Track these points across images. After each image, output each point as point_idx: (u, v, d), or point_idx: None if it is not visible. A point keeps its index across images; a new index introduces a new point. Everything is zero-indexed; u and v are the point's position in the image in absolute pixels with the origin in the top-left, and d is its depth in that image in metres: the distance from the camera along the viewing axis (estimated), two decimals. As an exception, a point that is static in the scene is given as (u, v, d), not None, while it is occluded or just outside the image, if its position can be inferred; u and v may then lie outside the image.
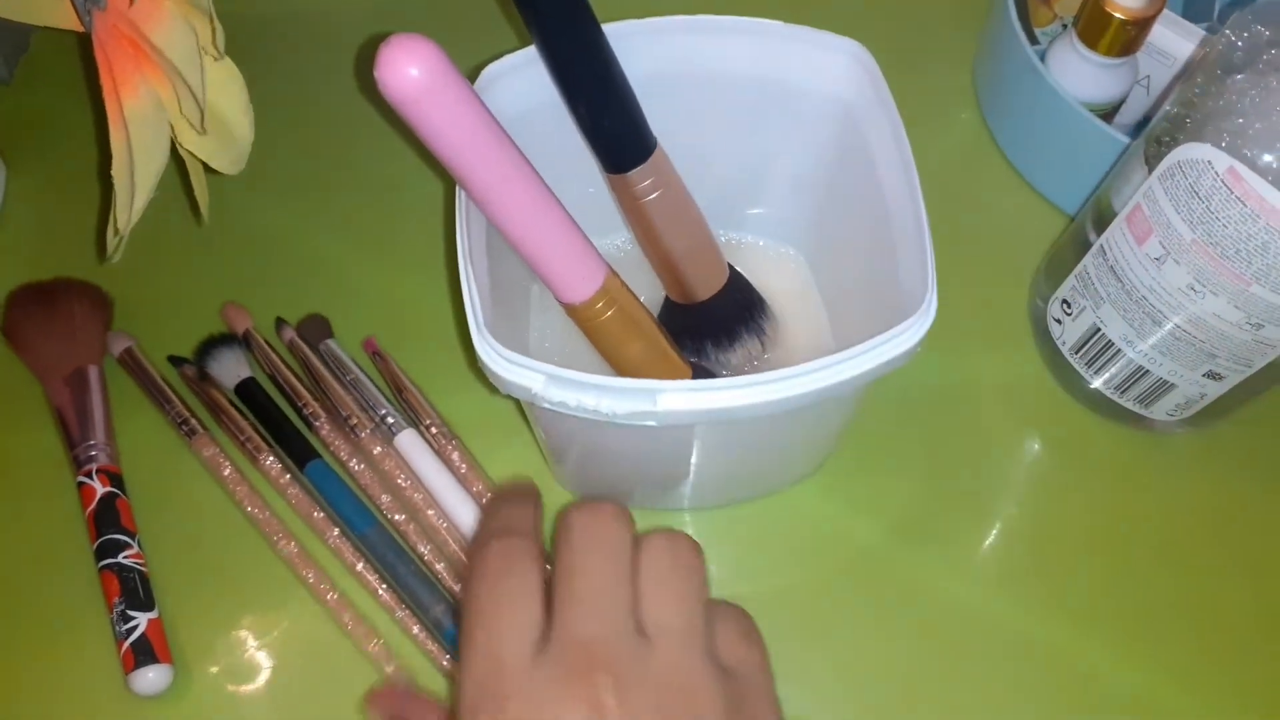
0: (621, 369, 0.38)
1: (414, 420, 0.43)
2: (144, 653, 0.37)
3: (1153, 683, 0.39)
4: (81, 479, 0.41)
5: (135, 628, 0.38)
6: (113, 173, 0.32)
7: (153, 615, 0.39)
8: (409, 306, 0.47)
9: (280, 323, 0.45)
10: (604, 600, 0.27)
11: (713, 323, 0.43)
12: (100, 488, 0.41)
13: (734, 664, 0.28)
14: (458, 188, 0.34)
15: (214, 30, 0.30)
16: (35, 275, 0.46)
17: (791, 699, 0.38)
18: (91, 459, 0.41)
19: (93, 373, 0.43)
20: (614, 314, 0.35)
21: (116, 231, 0.32)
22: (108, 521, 0.40)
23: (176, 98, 0.31)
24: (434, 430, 0.42)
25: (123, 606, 0.38)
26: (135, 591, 0.39)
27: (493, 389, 0.33)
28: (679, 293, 0.43)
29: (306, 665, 0.39)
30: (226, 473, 0.41)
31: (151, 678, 0.37)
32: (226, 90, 0.32)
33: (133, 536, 0.40)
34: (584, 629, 0.27)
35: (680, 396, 0.31)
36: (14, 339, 0.44)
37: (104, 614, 0.39)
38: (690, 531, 0.42)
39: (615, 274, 0.36)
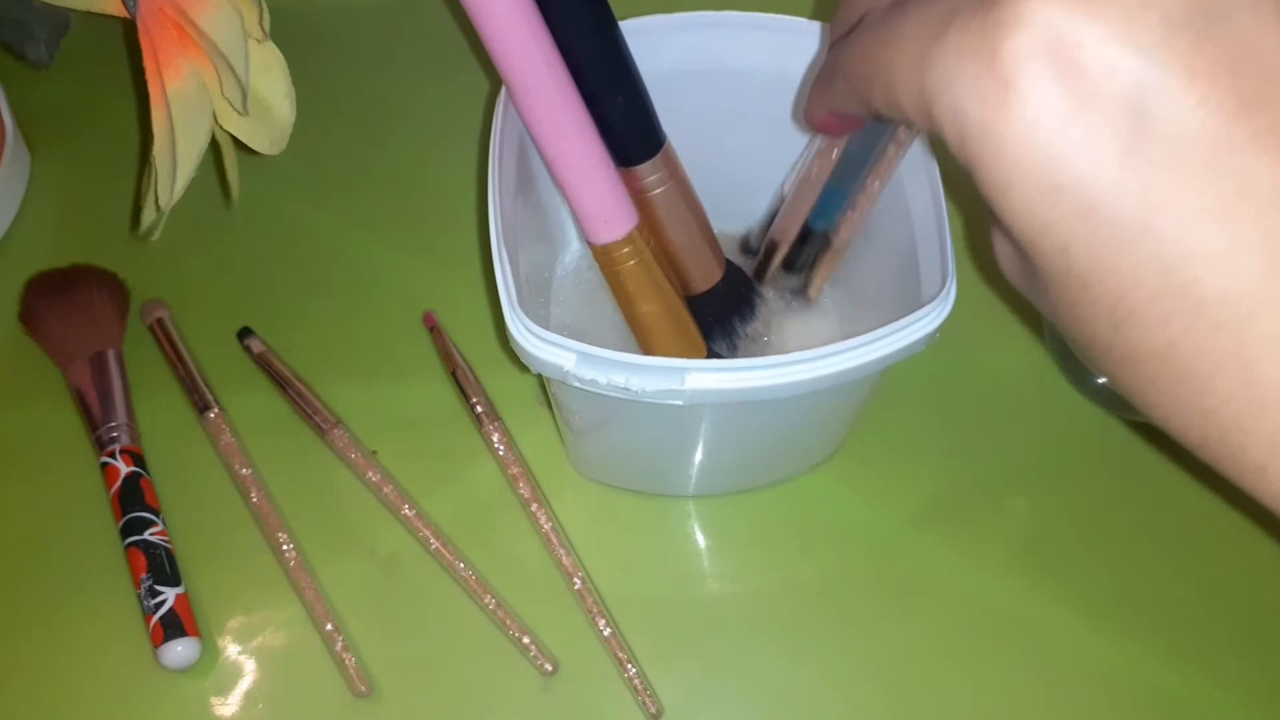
0: (638, 326, 0.39)
1: (463, 396, 0.44)
2: (173, 626, 0.38)
3: (1164, 668, 0.40)
4: (105, 459, 0.42)
5: (163, 602, 0.39)
6: (154, 152, 0.33)
7: (180, 590, 0.39)
8: (433, 290, 0.48)
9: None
10: None
11: (708, 314, 0.44)
12: (124, 467, 0.41)
13: None
14: (489, 178, 0.35)
15: (261, 13, 0.31)
16: (58, 260, 0.47)
17: (807, 686, 0.39)
18: (114, 439, 0.42)
19: (111, 356, 0.44)
20: (637, 264, 0.37)
21: (157, 209, 0.33)
22: (132, 500, 0.41)
23: (219, 79, 0.32)
24: (480, 410, 0.43)
25: (150, 582, 0.39)
26: (162, 567, 0.40)
27: (519, 368, 0.34)
28: (680, 285, 0.44)
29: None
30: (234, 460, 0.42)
31: (180, 651, 0.38)
32: (269, 72, 0.33)
33: (157, 514, 0.41)
34: None
35: (708, 376, 0.32)
36: (33, 325, 0.45)
37: (130, 591, 0.40)
38: (706, 518, 0.43)
39: (644, 228, 0.37)
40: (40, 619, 0.40)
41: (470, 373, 0.44)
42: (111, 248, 0.49)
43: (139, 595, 0.39)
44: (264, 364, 0.44)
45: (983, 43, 0.18)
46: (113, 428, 0.43)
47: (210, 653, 0.39)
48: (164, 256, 0.48)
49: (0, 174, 0.48)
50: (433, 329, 0.45)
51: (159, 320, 0.45)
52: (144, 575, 0.39)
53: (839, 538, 0.43)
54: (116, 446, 0.42)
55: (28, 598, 0.41)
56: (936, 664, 0.40)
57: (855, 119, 0.28)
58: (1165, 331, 0.18)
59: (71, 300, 0.45)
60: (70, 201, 0.51)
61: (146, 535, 0.40)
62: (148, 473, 0.42)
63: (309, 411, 0.43)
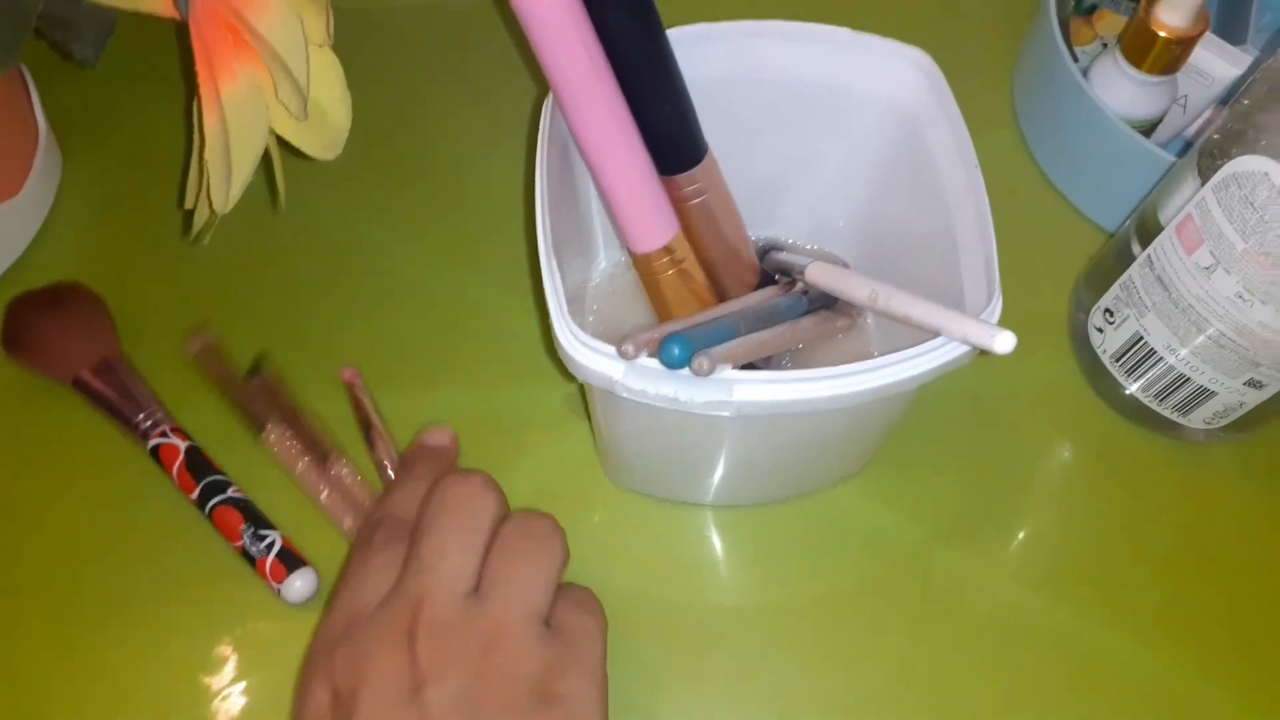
0: None
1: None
2: (289, 560, 0.39)
3: (1199, 681, 0.40)
4: (156, 441, 0.42)
5: (273, 542, 0.40)
6: (206, 156, 0.33)
7: (280, 532, 0.40)
8: (468, 297, 0.48)
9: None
10: (445, 561, 0.30)
11: None
12: (180, 443, 0.42)
13: (566, 627, 0.31)
14: (536, 189, 0.35)
15: (328, 20, 0.31)
16: (86, 265, 0.47)
17: (833, 697, 0.39)
18: (158, 422, 0.43)
19: (117, 359, 0.44)
20: (675, 274, 0.37)
21: (210, 214, 0.33)
22: (201, 468, 0.42)
23: (274, 84, 0.32)
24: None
25: (252, 529, 0.40)
26: (258, 515, 0.41)
27: (565, 377, 0.34)
28: (716, 292, 0.44)
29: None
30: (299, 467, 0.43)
31: (300, 585, 0.39)
32: (325, 78, 0.33)
33: (228, 476, 0.42)
34: (417, 586, 0.30)
35: (756, 387, 0.32)
36: (27, 347, 0.45)
37: (224, 553, 0.40)
38: (737, 529, 0.43)
39: (683, 239, 0.38)
40: (151, 607, 0.41)
41: (385, 435, 0.43)
42: (142, 250, 0.49)
43: (242, 547, 0.40)
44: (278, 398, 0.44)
45: None
46: (150, 414, 0.43)
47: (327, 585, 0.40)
48: (194, 259, 0.48)
49: (31, 178, 0.48)
50: (350, 384, 0.44)
51: (204, 347, 0.45)
52: (243, 526, 0.40)
53: (867, 550, 0.43)
54: (166, 427, 0.43)
55: (124, 593, 0.41)
56: (965, 678, 0.40)
57: None
58: None
59: (68, 314, 0.45)
60: (102, 206, 0.51)
61: (230, 493, 0.41)
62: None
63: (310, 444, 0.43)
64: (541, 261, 0.34)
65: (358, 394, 0.43)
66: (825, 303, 0.41)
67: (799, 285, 0.40)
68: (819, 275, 0.39)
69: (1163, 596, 0.42)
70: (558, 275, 0.33)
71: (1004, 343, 0.29)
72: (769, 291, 0.41)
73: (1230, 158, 0.36)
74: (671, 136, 0.37)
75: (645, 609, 0.41)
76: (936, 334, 0.32)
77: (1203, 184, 0.37)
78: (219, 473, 0.42)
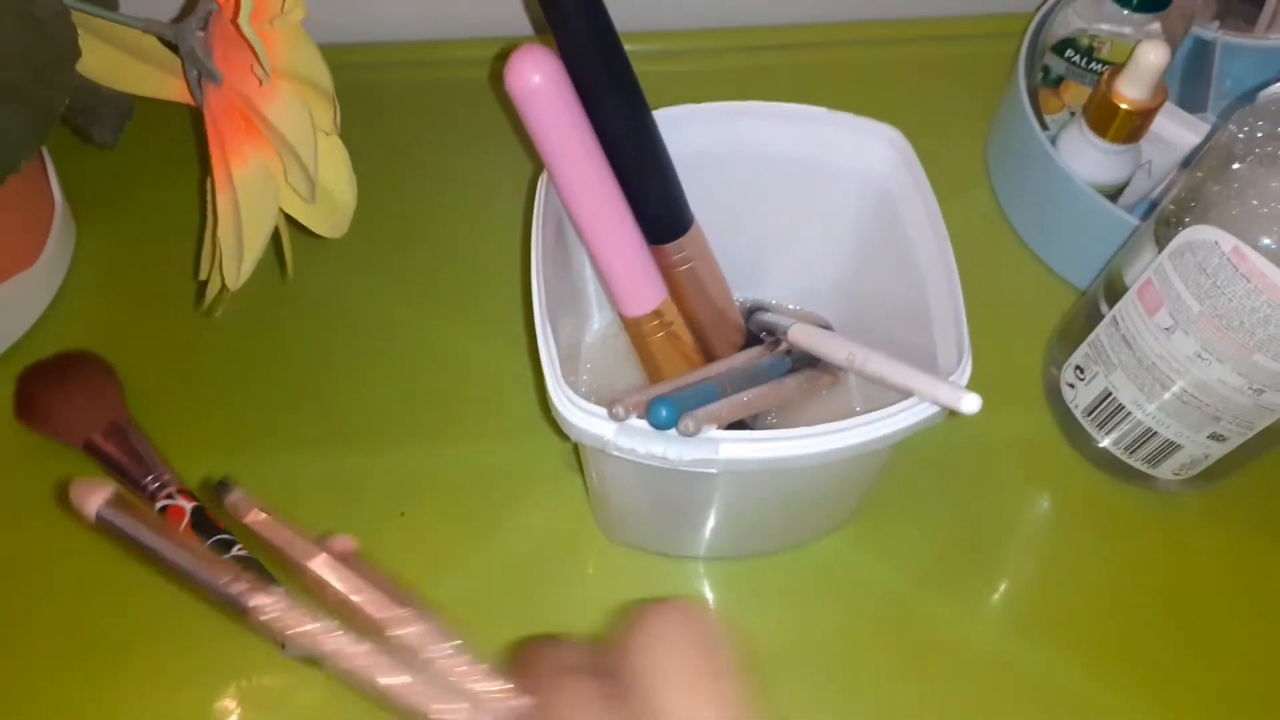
0: None
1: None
2: None
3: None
4: (163, 503, 0.43)
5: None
6: (219, 234, 0.35)
7: (285, 590, 0.41)
8: (465, 357, 0.50)
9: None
10: None
11: None
12: (186, 504, 0.43)
13: None
14: (532, 256, 0.37)
15: (335, 111, 0.33)
16: (96, 334, 0.49)
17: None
18: (166, 484, 0.44)
19: (126, 423, 0.46)
20: (664, 336, 0.39)
21: (223, 288, 0.35)
22: (207, 529, 0.43)
23: (284, 167, 0.34)
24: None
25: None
26: (265, 571, 0.41)
27: (558, 435, 0.36)
28: (704, 353, 0.46)
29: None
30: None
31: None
32: (332, 161, 0.35)
33: (233, 535, 0.43)
34: None
35: (741, 446, 0.34)
36: (38, 415, 0.46)
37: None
38: (726, 580, 0.45)
39: (671, 303, 0.40)
40: (151, 662, 0.42)
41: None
42: (153, 319, 0.51)
43: None
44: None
45: None
46: (157, 477, 0.44)
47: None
48: (201, 327, 0.50)
49: (47, 249, 0.50)
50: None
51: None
52: None
53: (852, 600, 0.44)
54: (173, 488, 0.44)
55: (133, 647, 0.42)
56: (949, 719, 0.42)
57: None
58: None
59: (77, 381, 0.47)
60: (114, 276, 0.53)
61: (234, 552, 0.42)
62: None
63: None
64: (537, 332, 0.36)
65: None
66: (809, 362, 0.42)
67: (783, 345, 0.42)
68: (800, 336, 0.41)
69: (1137, 642, 0.43)
70: (553, 344, 0.35)
71: (970, 404, 0.31)
72: (754, 352, 0.43)
73: (1184, 226, 0.38)
74: (659, 210, 0.40)
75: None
76: (910, 394, 0.34)
77: (1160, 250, 0.39)
78: (224, 532, 0.43)
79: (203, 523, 0.43)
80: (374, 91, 0.59)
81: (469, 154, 0.57)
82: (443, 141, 0.58)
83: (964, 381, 0.35)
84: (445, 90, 0.60)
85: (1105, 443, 0.45)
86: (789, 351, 0.42)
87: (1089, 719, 0.42)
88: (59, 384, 0.47)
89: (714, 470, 0.34)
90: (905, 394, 0.35)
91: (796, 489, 0.40)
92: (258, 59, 0.30)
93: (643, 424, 0.34)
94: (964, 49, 0.62)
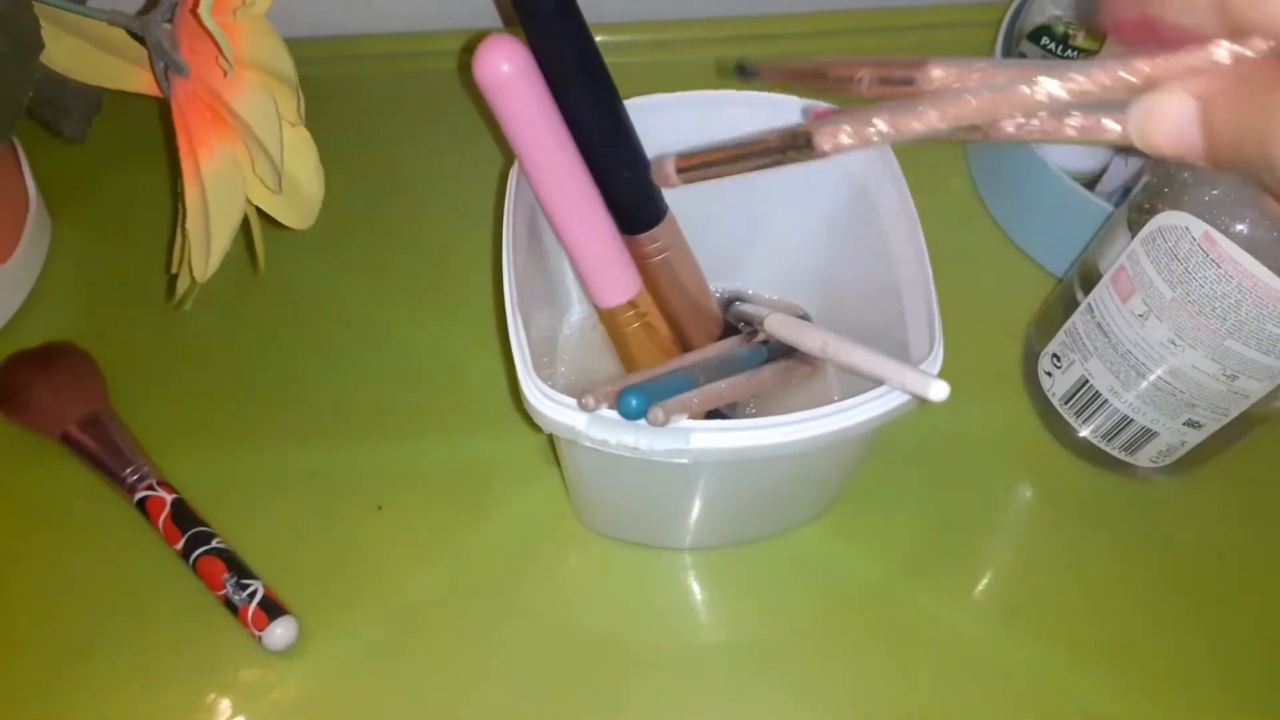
0: None
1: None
2: (271, 609, 0.41)
3: (1145, 713, 0.41)
4: (143, 494, 0.43)
5: (255, 591, 0.41)
6: (187, 226, 0.35)
7: (263, 582, 0.41)
8: (442, 350, 0.50)
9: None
10: None
11: None
12: (167, 495, 0.43)
13: None
14: (504, 247, 0.37)
15: (299, 101, 0.33)
16: (75, 326, 0.49)
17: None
18: (145, 475, 0.44)
19: (106, 415, 0.46)
20: (640, 327, 0.39)
21: (193, 280, 0.35)
22: (186, 520, 0.43)
23: (251, 159, 0.34)
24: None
25: (235, 578, 0.41)
26: (241, 565, 0.42)
27: (531, 427, 0.36)
28: (680, 343, 0.46)
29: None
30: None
31: (280, 633, 0.40)
32: (299, 153, 0.35)
33: (212, 529, 0.43)
34: None
35: (712, 435, 0.34)
36: (18, 405, 0.46)
37: (207, 602, 0.42)
38: (705, 570, 0.45)
39: (646, 294, 0.39)
40: (133, 654, 0.42)
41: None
42: (131, 312, 0.50)
43: (225, 595, 0.41)
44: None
45: None
46: (137, 469, 0.45)
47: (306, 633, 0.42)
48: (179, 319, 0.50)
49: (23, 242, 0.50)
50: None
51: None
52: (226, 575, 0.41)
53: (832, 588, 0.44)
54: (152, 480, 0.44)
55: (110, 640, 0.42)
56: (930, 709, 0.42)
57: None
58: None
59: (57, 372, 0.47)
60: (91, 268, 0.53)
61: (213, 544, 0.42)
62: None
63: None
64: (508, 322, 0.35)
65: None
66: (786, 352, 0.42)
67: (760, 335, 0.42)
68: (776, 326, 0.41)
69: (1116, 629, 0.43)
70: (523, 335, 0.35)
71: (938, 391, 0.31)
72: (730, 342, 0.43)
73: (1156, 212, 0.38)
74: (632, 200, 0.39)
75: (619, 650, 0.42)
76: (881, 382, 0.34)
77: (1133, 237, 0.39)
78: (203, 525, 0.43)
79: (182, 515, 0.43)
80: (345, 85, 0.59)
81: (445, 147, 0.57)
82: (417, 135, 0.58)
83: (935, 369, 0.35)
84: (418, 82, 0.60)
85: (1085, 432, 0.46)
86: (766, 342, 0.42)
87: (1069, 706, 0.42)
88: (38, 376, 0.47)
89: (685, 460, 0.34)
90: (878, 383, 0.35)
91: (772, 479, 0.40)
92: (220, 50, 0.30)
93: (614, 414, 0.34)
94: (940, 38, 0.62)
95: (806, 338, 0.39)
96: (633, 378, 0.37)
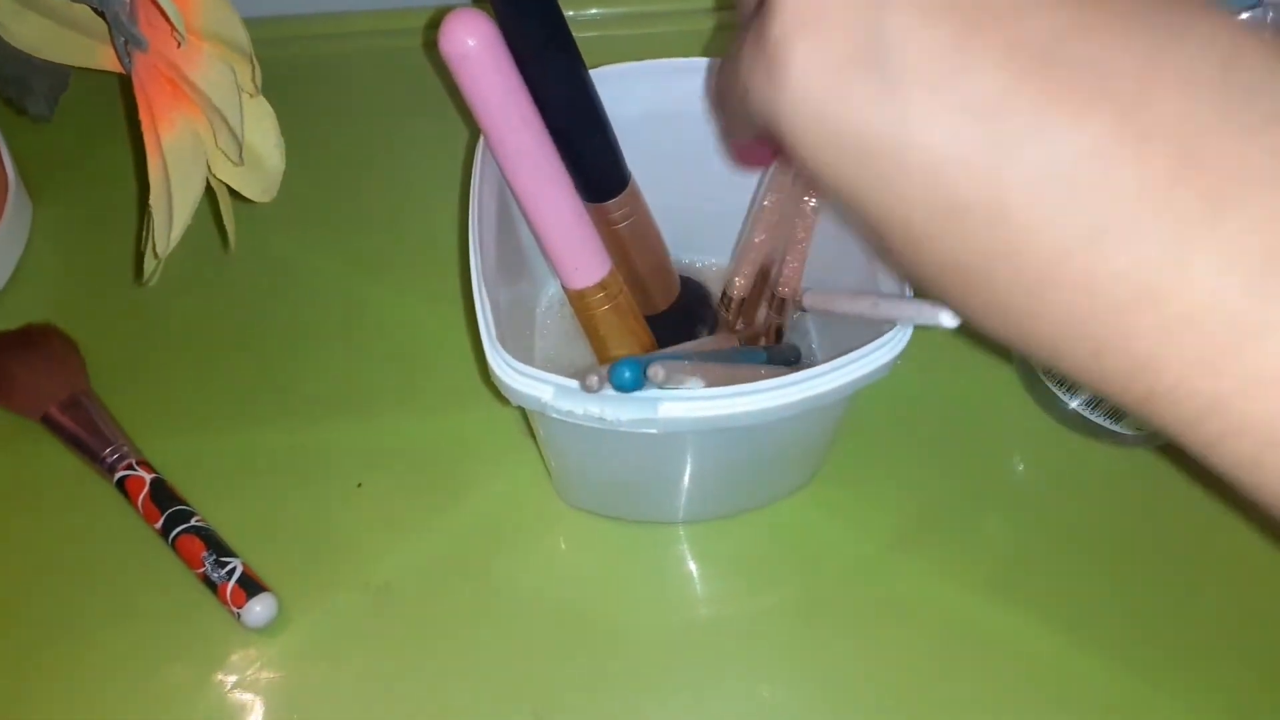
0: (607, 361, 0.41)
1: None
2: (249, 586, 0.41)
3: (1142, 682, 0.41)
4: (123, 474, 0.44)
5: (234, 569, 0.41)
6: (150, 202, 0.35)
7: (241, 560, 0.42)
8: (419, 327, 0.50)
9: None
10: None
11: (671, 327, 0.46)
12: (146, 475, 0.44)
13: None
14: (470, 220, 0.37)
15: (254, 70, 0.33)
16: (57, 307, 0.49)
17: (793, 706, 0.41)
18: (125, 455, 0.44)
19: (86, 396, 0.46)
20: (610, 309, 0.39)
21: (155, 257, 0.34)
22: (165, 499, 0.43)
23: (213, 132, 0.34)
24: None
25: (214, 556, 0.41)
26: (220, 543, 0.42)
27: (502, 401, 0.35)
28: (645, 304, 0.46)
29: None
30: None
31: (259, 610, 0.40)
32: (259, 125, 0.34)
33: (192, 507, 0.43)
34: None
35: (679, 405, 0.33)
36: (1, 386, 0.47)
37: (186, 580, 0.42)
38: (690, 544, 0.45)
39: (616, 274, 0.39)
40: (112, 633, 0.42)
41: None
42: (112, 293, 0.50)
43: (204, 573, 0.41)
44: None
45: (759, 35, 0.21)
46: (116, 449, 0.45)
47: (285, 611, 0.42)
48: (158, 299, 0.50)
49: (3, 224, 0.50)
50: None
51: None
52: (205, 553, 0.41)
53: (820, 560, 0.44)
54: (132, 460, 0.44)
55: (90, 618, 0.42)
56: (917, 680, 0.41)
57: (759, 143, 0.29)
58: (954, 243, 0.20)
59: (38, 354, 0.47)
60: (71, 249, 0.53)
61: (193, 523, 0.42)
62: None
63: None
64: (474, 292, 0.35)
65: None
66: (786, 360, 0.42)
67: (761, 340, 0.42)
68: (817, 301, 0.40)
69: (1108, 597, 0.43)
70: (489, 306, 0.35)
71: (949, 319, 0.31)
72: (729, 339, 0.43)
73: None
74: (597, 168, 0.39)
75: (601, 626, 0.42)
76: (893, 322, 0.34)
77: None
78: (183, 503, 0.43)
79: (161, 494, 0.43)
80: (314, 64, 0.59)
81: (417, 123, 0.57)
82: (388, 112, 0.58)
83: (907, 334, 0.34)
84: (387, 59, 0.60)
85: (1074, 404, 0.45)
86: (767, 345, 0.42)
87: (1060, 679, 0.41)
88: (17, 357, 0.47)
89: (654, 430, 0.34)
90: (853, 347, 0.34)
91: (746, 449, 0.39)
92: (169, 21, 0.30)
93: (578, 383, 0.33)
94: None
95: (849, 304, 0.38)
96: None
